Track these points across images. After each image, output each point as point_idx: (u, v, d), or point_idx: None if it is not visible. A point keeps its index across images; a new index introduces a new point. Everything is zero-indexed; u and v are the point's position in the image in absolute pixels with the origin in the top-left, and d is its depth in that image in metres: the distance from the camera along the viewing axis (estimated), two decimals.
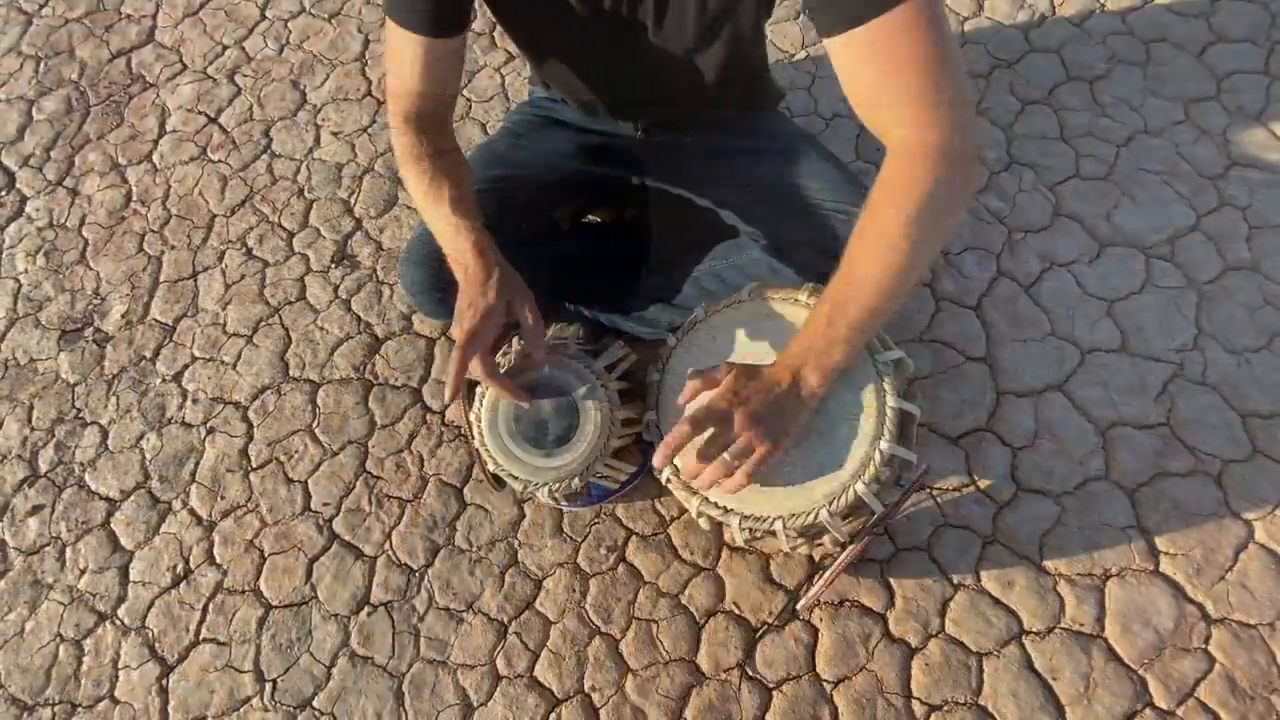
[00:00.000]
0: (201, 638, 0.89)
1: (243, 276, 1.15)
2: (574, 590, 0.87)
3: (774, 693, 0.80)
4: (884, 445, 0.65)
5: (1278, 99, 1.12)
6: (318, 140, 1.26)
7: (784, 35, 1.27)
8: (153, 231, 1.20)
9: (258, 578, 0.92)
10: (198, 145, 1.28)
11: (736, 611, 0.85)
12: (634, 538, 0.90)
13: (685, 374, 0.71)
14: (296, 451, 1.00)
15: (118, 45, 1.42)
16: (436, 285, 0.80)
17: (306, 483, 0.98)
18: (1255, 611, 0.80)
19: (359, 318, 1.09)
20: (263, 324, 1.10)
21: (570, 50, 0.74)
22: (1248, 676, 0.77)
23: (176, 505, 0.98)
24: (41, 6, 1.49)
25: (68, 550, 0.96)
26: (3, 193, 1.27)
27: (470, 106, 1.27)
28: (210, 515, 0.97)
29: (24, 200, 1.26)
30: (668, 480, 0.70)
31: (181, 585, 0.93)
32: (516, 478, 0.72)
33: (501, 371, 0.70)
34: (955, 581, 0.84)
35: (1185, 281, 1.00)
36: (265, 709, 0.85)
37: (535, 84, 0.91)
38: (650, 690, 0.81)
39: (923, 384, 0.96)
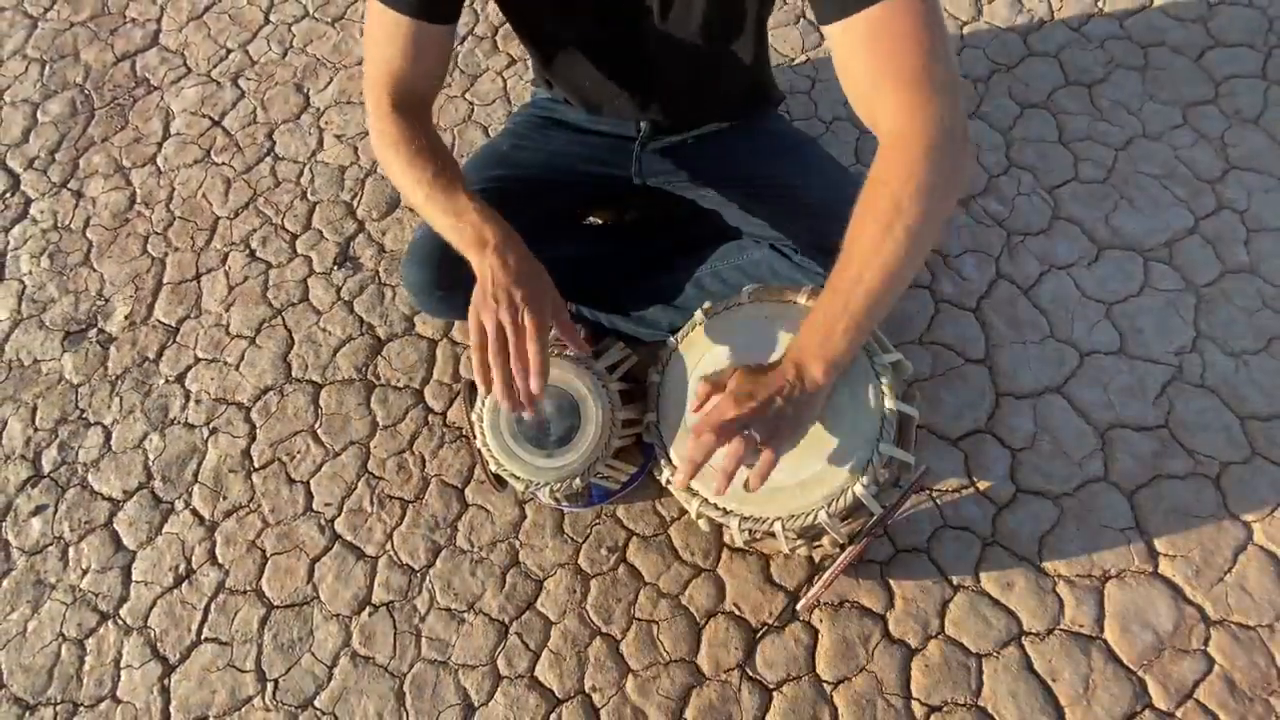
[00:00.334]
0: (203, 637, 0.90)
1: (246, 278, 1.15)
2: (575, 591, 0.88)
3: (774, 693, 0.81)
4: (882, 447, 0.65)
5: (1275, 103, 1.12)
6: (321, 143, 1.27)
7: (784, 39, 1.28)
8: (156, 233, 1.21)
9: (260, 578, 0.93)
10: (202, 148, 1.29)
11: (737, 612, 0.85)
12: (634, 538, 0.90)
13: (685, 376, 0.72)
14: (299, 452, 1.00)
15: (122, 49, 1.43)
16: (439, 285, 0.80)
17: (309, 483, 0.98)
18: (1254, 613, 0.80)
19: (361, 319, 1.10)
20: (265, 325, 1.11)
21: (575, 40, 0.74)
22: (1247, 678, 0.78)
23: (179, 505, 0.98)
24: (46, 10, 1.50)
25: (70, 550, 0.97)
26: (8, 195, 1.28)
27: (473, 110, 1.28)
28: (212, 515, 0.97)
29: (29, 202, 1.27)
30: (667, 482, 0.71)
31: (184, 585, 0.93)
32: (518, 478, 0.73)
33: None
34: (955, 583, 0.85)
35: (1184, 284, 1.00)
36: (267, 709, 0.85)
37: (538, 85, 0.91)
38: (651, 691, 0.82)
39: (922, 386, 0.96)
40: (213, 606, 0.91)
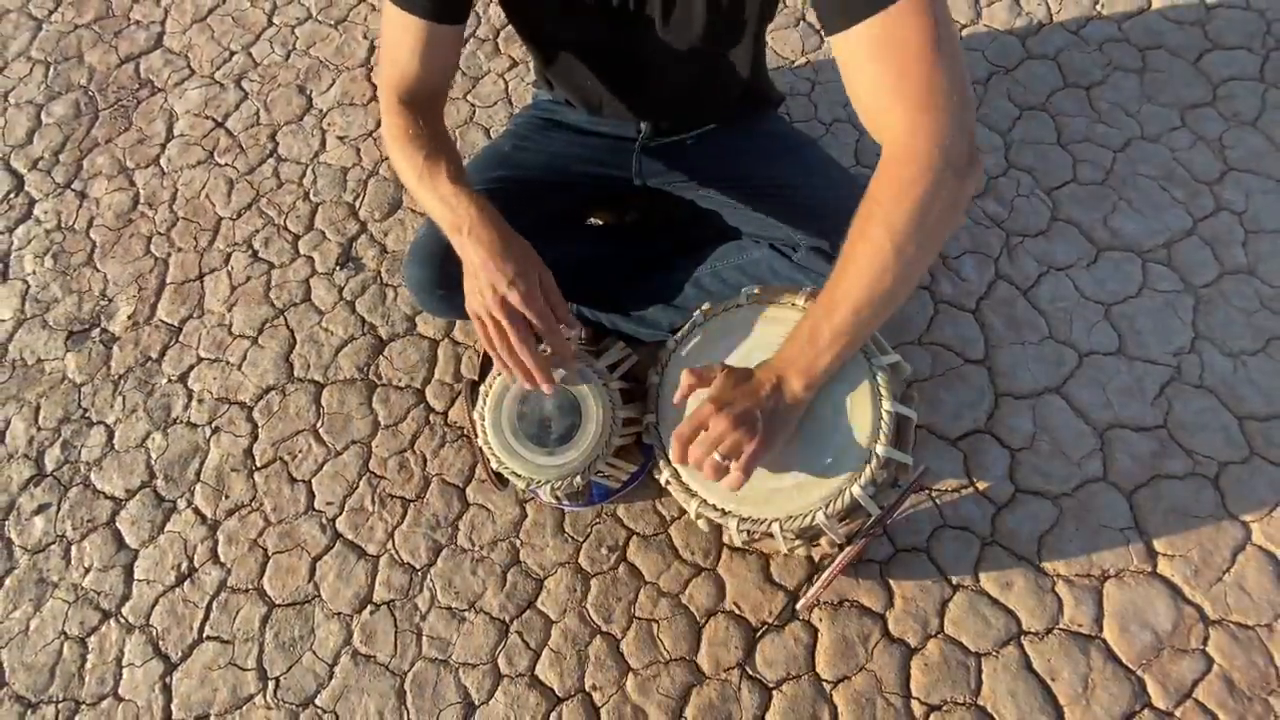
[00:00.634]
0: (205, 636, 0.90)
1: (248, 278, 1.16)
2: (575, 590, 0.88)
3: (774, 692, 0.81)
4: (880, 449, 0.65)
5: (1273, 105, 1.13)
6: (323, 144, 1.28)
7: (784, 42, 1.28)
8: (160, 234, 1.22)
9: (261, 576, 0.93)
10: (205, 149, 1.30)
11: (737, 611, 0.85)
12: (635, 538, 0.90)
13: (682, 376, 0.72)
14: (300, 451, 1.01)
15: (126, 50, 1.44)
16: (440, 284, 0.81)
17: (310, 482, 0.99)
18: (1253, 613, 0.81)
19: (363, 319, 1.10)
20: (268, 325, 1.11)
21: (577, 45, 0.75)
22: (1246, 677, 0.78)
23: (181, 504, 0.99)
24: (51, 12, 1.51)
25: (73, 549, 0.97)
26: (11, 195, 1.29)
27: (474, 111, 1.28)
28: (214, 514, 0.98)
29: (32, 203, 1.28)
30: (667, 482, 0.71)
31: (185, 584, 0.93)
32: (519, 475, 0.73)
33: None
34: (954, 582, 0.85)
35: (1182, 285, 1.01)
36: (268, 707, 0.85)
37: (539, 86, 0.92)
38: (651, 689, 0.82)
39: (921, 386, 0.96)
40: (214, 605, 0.92)
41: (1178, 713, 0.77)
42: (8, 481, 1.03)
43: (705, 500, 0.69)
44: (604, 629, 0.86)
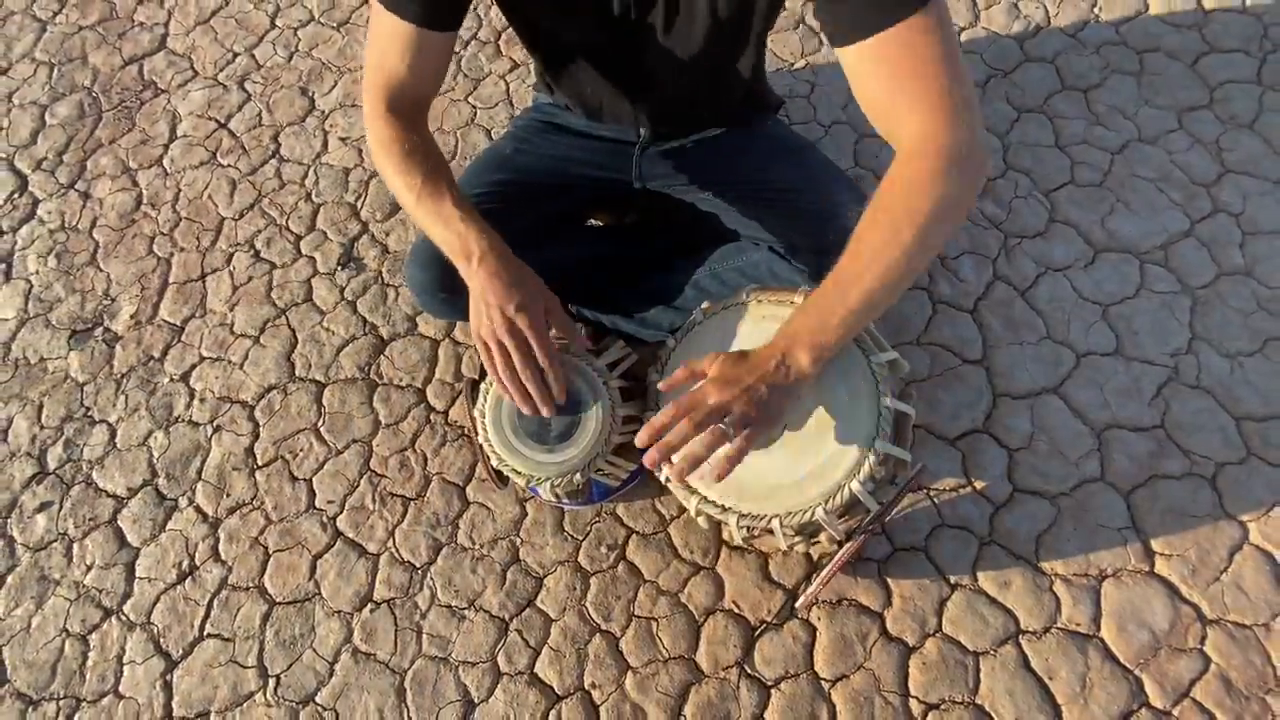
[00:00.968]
0: (206, 633, 0.90)
1: (250, 278, 1.16)
2: (574, 588, 0.88)
3: (772, 690, 0.81)
4: (879, 444, 0.66)
5: (1270, 108, 1.14)
6: (325, 145, 1.28)
7: (783, 44, 1.29)
8: (162, 234, 1.22)
9: (262, 574, 0.93)
10: (208, 150, 1.30)
11: (735, 610, 0.85)
12: (634, 536, 0.91)
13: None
14: (301, 450, 1.01)
15: (130, 52, 1.45)
16: (442, 286, 0.81)
17: (311, 481, 0.99)
18: (1250, 612, 0.81)
19: (364, 319, 1.11)
20: (270, 325, 1.12)
21: (578, 51, 0.76)
22: (1243, 677, 0.78)
23: (183, 503, 0.99)
24: (55, 14, 1.52)
25: (75, 546, 0.98)
26: (15, 196, 1.29)
27: (476, 113, 1.29)
28: (216, 512, 0.98)
29: (36, 203, 1.28)
30: (667, 479, 0.71)
31: (187, 581, 0.94)
32: (519, 473, 0.73)
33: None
34: (952, 581, 0.85)
35: (1179, 286, 1.01)
36: (268, 704, 0.85)
37: (540, 89, 0.93)
38: (650, 688, 0.82)
39: (920, 386, 0.97)
40: (215, 603, 0.92)
41: (1175, 712, 0.77)
42: (10, 479, 1.03)
43: (705, 497, 0.69)
44: (603, 627, 0.86)
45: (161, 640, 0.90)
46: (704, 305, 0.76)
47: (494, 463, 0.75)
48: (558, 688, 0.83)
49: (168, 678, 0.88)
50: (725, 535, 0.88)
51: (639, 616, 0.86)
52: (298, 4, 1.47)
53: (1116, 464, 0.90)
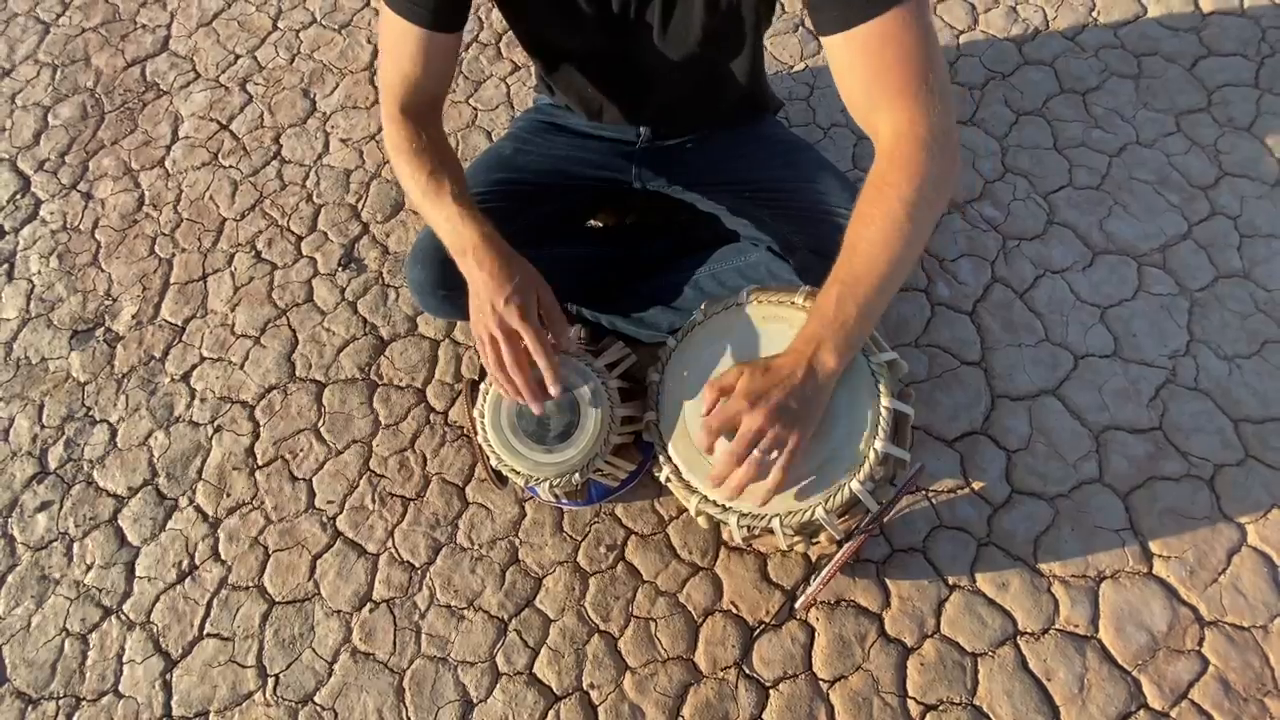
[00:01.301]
0: (205, 633, 0.90)
1: (251, 279, 1.17)
2: (573, 588, 0.88)
3: (771, 691, 0.81)
4: (878, 444, 0.66)
5: (1268, 111, 1.14)
6: (327, 147, 1.29)
7: (783, 47, 1.30)
8: (164, 235, 1.23)
9: (262, 574, 0.93)
10: (209, 151, 1.31)
11: (734, 611, 0.86)
12: (633, 537, 0.91)
13: (684, 375, 0.73)
14: (301, 450, 1.02)
15: (133, 54, 1.45)
16: (441, 284, 0.81)
17: (311, 481, 0.99)
18: (1248, 614, 0.81)
19: (365, 320, 1.11)
20: (270, 325, 1.12)
21: (577, 51, 0.77)
22: (1241, 679, 0.78)
23: (183, 502, 0.99)
24: (59, 16, 1.53)
25: (75, 546, 0.98)
26: (18, 196, 1.30)
27: (476, 115, 1.30)
28: (216, 512, 0.98)
29: (39, 203, 1.29)
30: (667, 479, 0.72)
31: (186, 581, 0.94)
32: (518, 473, 0.74)
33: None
34: (950, 582, 0.85)
35: (1177, 289, 1.01)
36: (267, 704, 0.85)
37: (540, 91, 0.93)
38: (648, 688, 0.82)
39: (919, 388, 0.97)
40: (215, 602, 0.92)
41: (1173, 713, 0.77)
42: (11, 479, 1.04)
43: (705, 497, 0.69)
44: (602, 628, 0.86)
45: (161, 639, 0.91)
46: (703, 306, 0.77)
47: (493, 463, 0.75)
48: (556, 688, 0.83)
49: (167, 677, 0.88)
50: (725, 535, 0.89)
51: (638, 617, 0.86)
52: (299, 6, 1.48)
53: (1115, 466, 0.90)
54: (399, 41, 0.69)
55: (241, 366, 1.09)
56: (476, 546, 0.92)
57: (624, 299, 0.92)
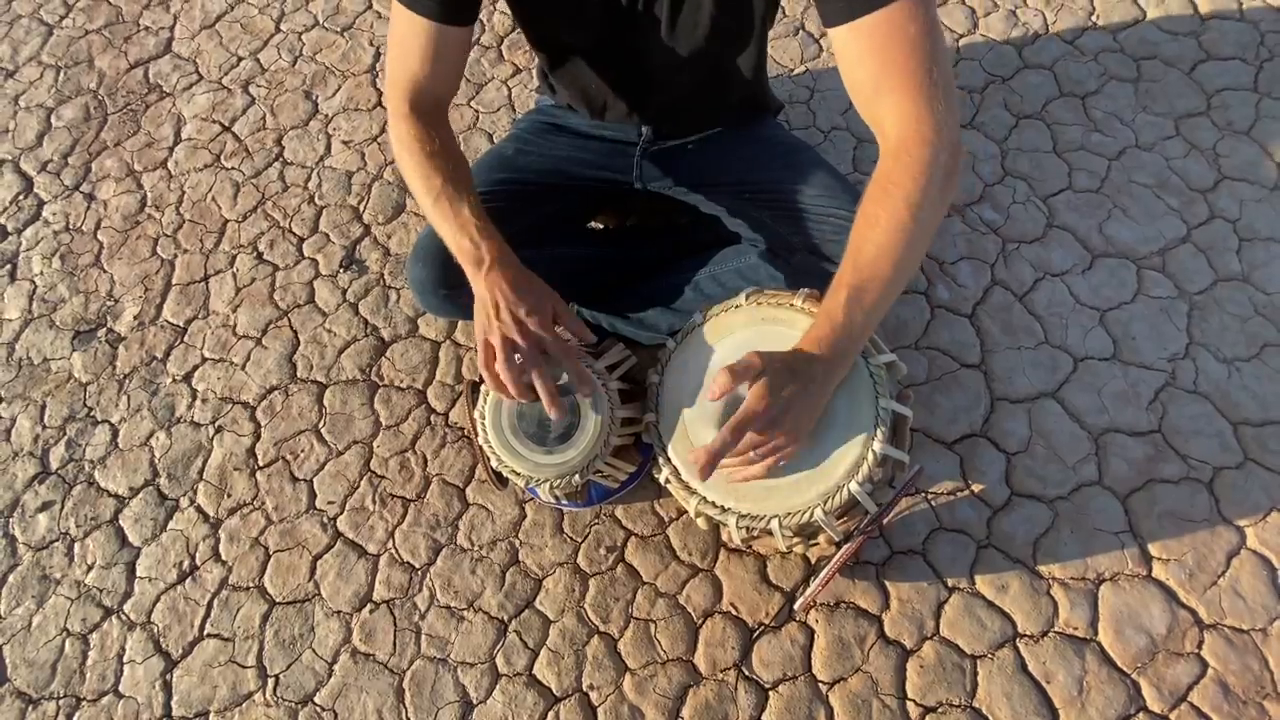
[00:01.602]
0: (206, 633, 0.91)
1: (253, 280, 1.17)
2: (573, 590, 0.89)
3: (770, 693, 0.81)
4: (877, 446, 0.66)
5: (1267, 115, 1.14)
6: (328, 149, 1.29)
7: (784, 50, 1.30)
8: (166, 236, 1.23)
9: (262, 574, 0.94)
10: (212, 153, 1.31)
11: (734, 612, 0.86)
12: (633, 538, 0.91)
13: (684, 377, 0.73)
14: (302, 451, 1.02)
15: (136, 56, 1.46)
16: (443, 283, 0.82)
17: (312, 481, 0.99)
18: (1247, 617, 0.81)
19: (366, 321, 1.11)
20: (272, 326, 1.12)
21: (583, 47, 0.77)
22: (1240, 682, 0.78)
23: (184, 503, 1.00)
24: (62, 18, 1.54)
25: (76, 546, 0.98)
26: (21, 197, 1.30)
27: (478, 117, 1.30)
28: (217, 513, 0.98)
29: (41, 204, 1.29)
30: (667, 480, 0.72)
31: (187, 581, 0.94)
32: (518, 474, 0.74)
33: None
34: (950, 584, 0.85)
35: (1176, 292, 1.02)
36: (267, 704, 0.86)
37: (542, 92, 0.94)
38: (648, 689, 0.82)
39: (918, 390, 0.97)
40: (215, 602, 0.92)
41: (1172, 716, 0.77)
42: (12, 479, 1.04)
43: (705, 498, 0.70)
44: (602, 629, 0.86)
45: (161, 640, 0.91)
46: (703, 307, 0.77)
47: (494, 464, 0.76)
48: (556, 689, 0.83)
49: (167, 677, 0.88)
50: (724, 536, 0.89)
51: (637, 618, 0.86)
52: (302, 9, 1.48)
53: (1114, 468, 0.90)
54: (408, 35, 0.69)
55: (243, 367, 1.09)
56: (477, 548, 0.93)
57: (624, 300, 0.92)
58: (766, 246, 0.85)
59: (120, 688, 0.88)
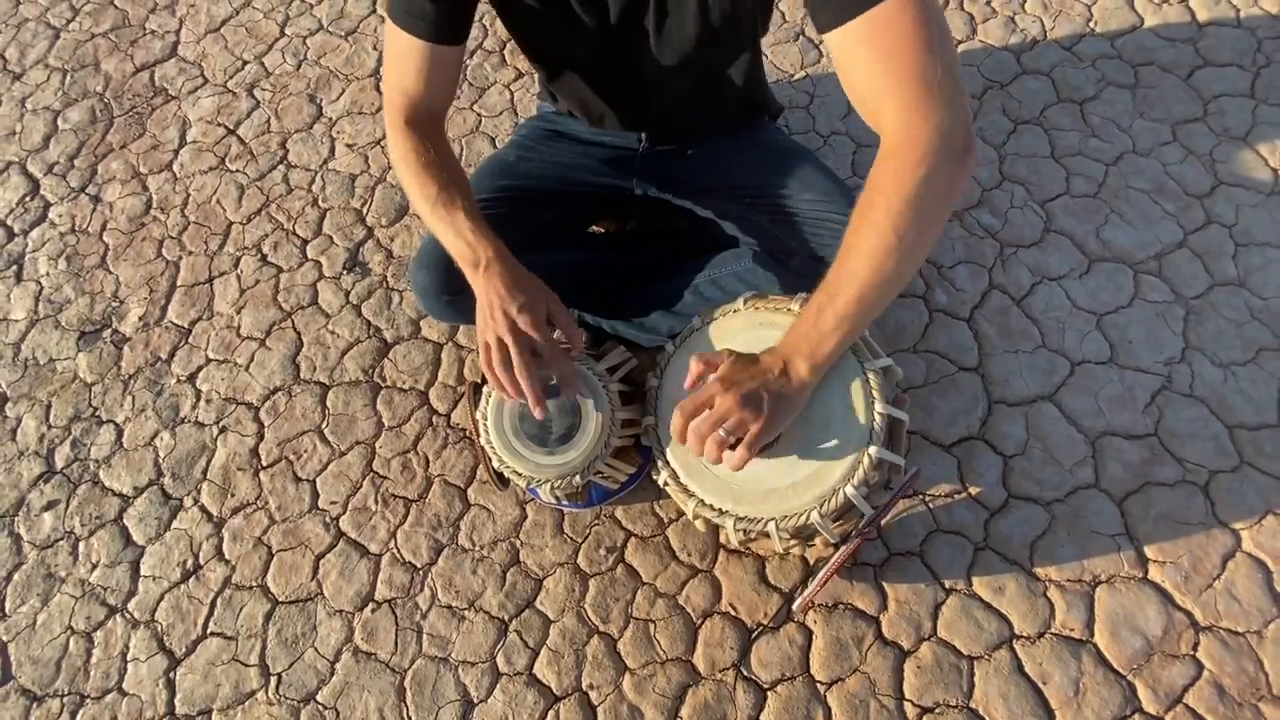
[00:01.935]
0: (209, 632, 0.91)
1: (257, 282, 1.18)
2: (573, 590, 0.89)
3: (769, 693, 0.82)
4: (873, 450, 0.67)
5: (1263, 121, 1.15)
6: (332, 152, 1.31)
7: (783, 55, 1.31)
8: (171, 238, 1.24)
9: (265, 574, 0.94)
10: (217, 155, 1.33)
11: (733, 613, 0.86)
12: (633, 539, 0.92)
13: (683, 380, 0.74)
14: (305, 451, 1.03)
15: (141, 59, 1.47)
16: (446, 288, 0.83)
17: (315, 482, 1.00)
18: (1243, 619, 0.82)
19: (369, 323, 1.12)
20: (275, 327, 1.13)
21: (578, 59, 0.78)
22: (1235, 683, 0.79)
23: (188, 502, 1.00)
24: (69, 21, 1.55)
25: (81, 545, 0.99)
26: (27, 199, 1.32)
27: (480, 121, 1.31)
28: (220, 512, 0.99)
29: (47, 206, 1.30)
30: (665, 482, 0.73)
31: (191, 580, 0.95)
32: (520, 474, 0.75)
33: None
34: (947, 586, 0.86)
35: (1173, 296, 1.02)
36: (270, 702, 0.86)
37: (544, 98, 0.95)
38: (647, 689, 0.83)
39: (916, 393, 0.98)
40: (219, 601, 0.93)
41: (1168, 717, 0.78)
42: (18, 478, 1.05)
43: (703, 500, 0.70)
44: (602, 629, 0.87)
45: (165, 638, 0.91)
46: (703, 311, 0.78)
47: (495, 464, 0.76)
48: (556, 688, 0.84)
49: (171, 675, 0.89)
50: (723, 538, 0.89)
51: (637, 618, 0.87)
52: (307, 13, 1.49)
53: (1110, 471, 0.91)
54: (403, 54, 0.71)
55: (247, 368, 1.10)
56: (478, 548, 0.93)
57: (625, 303, 0.93)
58: (765, 251, 0.86)
59: (124, 685, 0.89)
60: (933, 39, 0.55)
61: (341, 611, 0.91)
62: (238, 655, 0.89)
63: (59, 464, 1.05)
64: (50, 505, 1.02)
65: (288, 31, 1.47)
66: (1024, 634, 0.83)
